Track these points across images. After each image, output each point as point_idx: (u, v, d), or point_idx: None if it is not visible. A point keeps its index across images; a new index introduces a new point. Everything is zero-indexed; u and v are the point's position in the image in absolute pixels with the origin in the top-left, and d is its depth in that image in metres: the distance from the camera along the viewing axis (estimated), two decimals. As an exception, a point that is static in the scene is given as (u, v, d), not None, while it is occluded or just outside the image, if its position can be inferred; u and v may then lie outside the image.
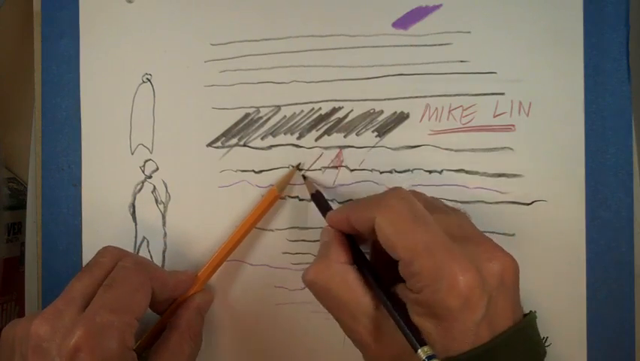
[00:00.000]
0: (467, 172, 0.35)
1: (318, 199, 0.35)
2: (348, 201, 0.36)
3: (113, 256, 0.33)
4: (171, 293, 0.35)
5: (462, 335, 0.25)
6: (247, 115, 0.37)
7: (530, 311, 0.28)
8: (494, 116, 0.35)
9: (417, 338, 0.26)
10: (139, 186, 0.39)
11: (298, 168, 0.37)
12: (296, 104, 0.37)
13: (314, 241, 0.36)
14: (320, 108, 0.37)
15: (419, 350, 0.25)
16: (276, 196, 0.36)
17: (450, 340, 0.26)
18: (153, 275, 0.33)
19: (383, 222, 0.27)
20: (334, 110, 0.36)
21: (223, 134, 0.38)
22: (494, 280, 0.26)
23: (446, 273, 0.25)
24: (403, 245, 0.27)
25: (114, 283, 0.31)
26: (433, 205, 0.30)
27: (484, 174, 0.35)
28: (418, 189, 0.35)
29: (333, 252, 0.30)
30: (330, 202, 0.36)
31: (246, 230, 0.36)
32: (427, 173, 0.35)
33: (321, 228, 0.36)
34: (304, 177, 0.36)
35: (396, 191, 0.29)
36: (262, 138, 0.37)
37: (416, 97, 0.36)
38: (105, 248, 0.34)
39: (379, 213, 0.28)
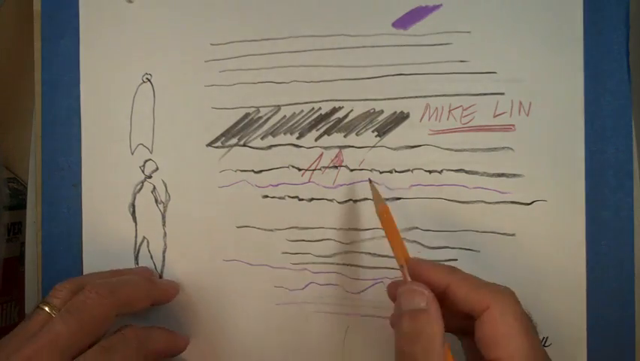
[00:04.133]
0: (467, 172, 0.35)
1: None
2: (348, 201, 0.36)
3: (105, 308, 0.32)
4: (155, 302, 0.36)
5: None
6: (247, 115, 0.37)
7: None
8: (494, 116, 0.35)
9: None
10: (139, 186, 0.39)
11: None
12: (296, 104, 0.37)
13: (314, 241, 0.36)
14: (320, 108, 0.37)
15: None
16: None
17: None
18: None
19: (497, 316, 0.25)
20: (334, 110, 0.36)
21: (223, 134, 0.38)
22: None
23: None
24: (507, 354, 0.25)
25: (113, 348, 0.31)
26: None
27: (484, 174, 0.35)
28: (418, 189, 0.35)
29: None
30: (329, 202, 0.36)
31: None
32: (427, 173, 0.35)
33: (321, 228, 0.36)
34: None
35: (511, 291, 0.27)
36: (262, 138, 0.37)
37: (416, 97, 0.36)
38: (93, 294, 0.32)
39: (495, 303, 0.25)
